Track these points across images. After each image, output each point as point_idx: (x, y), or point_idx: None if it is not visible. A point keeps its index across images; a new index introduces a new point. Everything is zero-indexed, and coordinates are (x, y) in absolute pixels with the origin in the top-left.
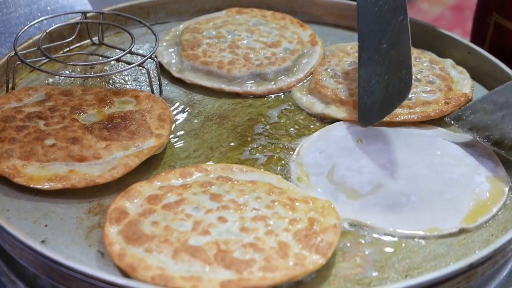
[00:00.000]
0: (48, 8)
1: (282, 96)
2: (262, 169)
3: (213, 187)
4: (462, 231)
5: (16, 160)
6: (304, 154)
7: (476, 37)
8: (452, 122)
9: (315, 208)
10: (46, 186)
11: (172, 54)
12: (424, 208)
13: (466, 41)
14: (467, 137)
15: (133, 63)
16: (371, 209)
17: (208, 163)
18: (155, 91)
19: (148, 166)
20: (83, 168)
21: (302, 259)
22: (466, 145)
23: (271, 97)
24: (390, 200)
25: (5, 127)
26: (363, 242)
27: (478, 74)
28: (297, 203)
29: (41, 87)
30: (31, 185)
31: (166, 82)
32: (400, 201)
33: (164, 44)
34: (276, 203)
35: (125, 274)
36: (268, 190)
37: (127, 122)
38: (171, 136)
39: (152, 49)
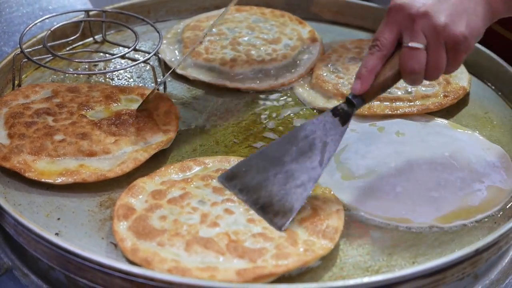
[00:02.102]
0: (50, 7)
1: (284, 92)
2: None
3: (214, 180)
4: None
5: (26, 155)
6: None
7: None
8: (222, 182)
9: (316, 196)
10: (58, 180)
11: (175, 51)
12: (405, 200)
13: None
14: (497, 148)
15: (138, 60)
16: (354, 190)
17: (204, 157)
18: (160, 88)
19: (157, 161)
20: (93, 162)
21: (311, 245)
22: (491, 154)
23: (273, 92)
24: (376, 186)
25: (14, 123)
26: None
27: (475, 68)
28: None
29: (47, 84)
30: (42, 180)
31: (169, 79)
32: (385, 189)
33: (166, 42)
34: None
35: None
36: None
37: (135, 118)
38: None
39: (155, 46)
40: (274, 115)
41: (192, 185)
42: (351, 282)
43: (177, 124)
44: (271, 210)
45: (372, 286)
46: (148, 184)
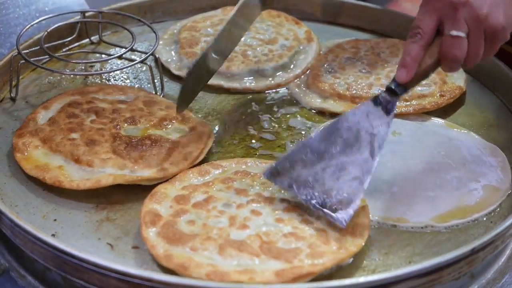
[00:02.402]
0: (46, 8)
1: (280, 92)
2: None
3: (234, 182)
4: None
5: (38, 140)
6: None
7: None
8: (269, 178)
9: None
10: (30, 171)
11: (171, 52)
12: (402, 199)
13: None
14: (493, 147)
15: (134, 61)
16: None
17: (221, 160)
18: (157, 88)
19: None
20: (71, 169)
21: (343, 243)
22: (488, 153)
23: (269, 92)
24: (373, 186)
25: (65, 109)
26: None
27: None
28: None
29: (136, 89)
30: (21, 166)
31: (165, 80)
32: (382, 188)
33: (162, 42)
34: None
35: (172, 272)
36: None
37: (150, 146)
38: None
39: (151, 47)
40: (270, 115)
41: (214, 189)
42: (347, 282)
43: (187, 167)
44: (329, 206)
45: (368, 286)
46: (169, 189)
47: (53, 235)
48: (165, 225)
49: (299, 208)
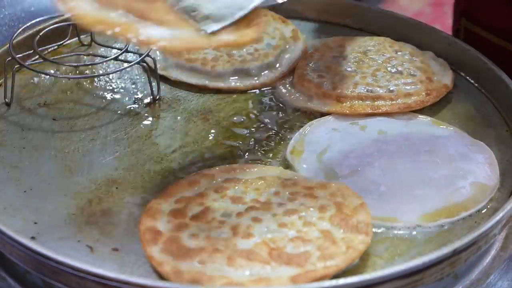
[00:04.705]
0: (32, 8)
1: (266, 91)
2: (257, 163)
3: (228, 191)
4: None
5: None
6: (310, 132)
7: None
8: None
9: (334, 193)
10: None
11: (157, 52)
12: (390, 199)
13: (446, 33)
14: (480, 144)
15: (127, 62)
16: None
17: (209, 169)
18: (154, 89)
19: (133, 159)
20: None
21: (351, 242)
22: (475, 150)
23: (255, 92)
24: (360, 186)
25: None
26: None
27: (458, 66)
28: (314, 191)
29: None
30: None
31: (151, 79)
32: (369, 189)
33: None
34: (296, 195)
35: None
36: (281, 183)
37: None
38: (154, 132)
39: (137, 47)
40: (255, 115)
41: (208, 199)
42: (326, 284)
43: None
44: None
45: None
46: (163, 205)
47: (32, 237)
48: (168, 241)
49: (297, 211)
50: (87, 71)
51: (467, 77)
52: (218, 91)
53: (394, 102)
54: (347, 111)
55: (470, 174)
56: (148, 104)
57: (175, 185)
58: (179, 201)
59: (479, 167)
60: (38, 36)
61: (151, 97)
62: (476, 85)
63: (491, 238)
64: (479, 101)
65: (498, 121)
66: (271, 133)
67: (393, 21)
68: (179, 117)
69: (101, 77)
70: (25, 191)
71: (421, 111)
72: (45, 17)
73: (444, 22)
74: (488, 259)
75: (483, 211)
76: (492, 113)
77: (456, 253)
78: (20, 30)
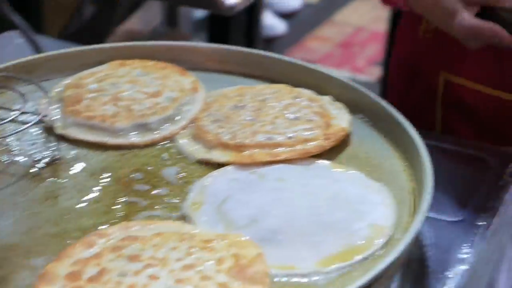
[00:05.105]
0: None
1: (167, 145)
2: (156, 219)
3: (124, 250)
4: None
5: None
6: (210, 184)
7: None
8: None
9: (231, 244)
10: None
11: (57, 110)
12: (288, 246)
13: (342, 77)
14: (378, 185)
15: (23, 123)
16: None
17: (103, 227)
18: (53, 149)
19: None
20: None
21: None
22: (372, 191)
23: (156, 146)
24: (259, 235)
25: None
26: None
27: (355, 109)
28: (212, 243)
29: None
30: None
31: (51, 139)
32: (268, 238)
33: (47, 101)
34: (193, 249)
35: None
36: (179, 238)
37: None
38: (53, 193)
39: (36, 107)
40: (155, 169)
41: (105, 259)
42: None
43: None
44: None
45: None
46: (59, 268)
47: None
48: None
49: (194, 265)
50: None
51: (365, 120)
52: (118, 147)
53: (293, 148)
54: (247, 161)
55: (367, 216)
56: (47, 164)
57: (71, 247)
58: (75, 263)
59: (376, 208)
60: None
61: (51, 157)
62: (373, 127)
63: (388, 279)
64: (376, 142)
65: (395, 162)
66: (170, 187)
67: (291, 68)
68: (78, 177)
69: None
70: None
71: (320, 155)
72: None
73: (353, 63)
74: None
75: (378, 253)
76: (389, 154)
77: None
78: None
